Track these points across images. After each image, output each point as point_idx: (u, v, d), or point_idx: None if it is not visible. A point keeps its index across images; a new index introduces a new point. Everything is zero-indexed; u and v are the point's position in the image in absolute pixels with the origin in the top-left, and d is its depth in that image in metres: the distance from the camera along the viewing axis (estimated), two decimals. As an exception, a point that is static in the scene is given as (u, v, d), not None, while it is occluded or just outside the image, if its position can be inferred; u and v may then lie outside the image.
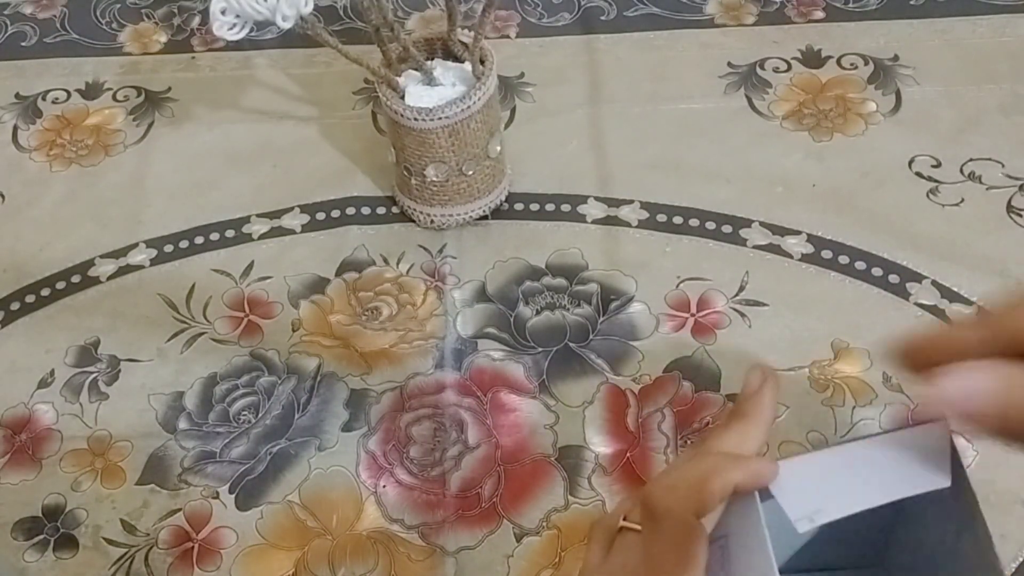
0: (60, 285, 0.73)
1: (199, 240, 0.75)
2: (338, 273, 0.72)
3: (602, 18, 0.88)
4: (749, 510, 0.36)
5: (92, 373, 0.68)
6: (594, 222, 0.73)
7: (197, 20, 0.93)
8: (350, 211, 0.76)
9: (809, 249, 0.70)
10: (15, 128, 0.86)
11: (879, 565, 0.49)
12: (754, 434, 0.37)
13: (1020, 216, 0.70)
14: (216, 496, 0.61)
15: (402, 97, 0.67)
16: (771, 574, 0.34)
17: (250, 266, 0.73)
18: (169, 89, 0.87)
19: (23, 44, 0.93)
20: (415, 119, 0.65)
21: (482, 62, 0.67)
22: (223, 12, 0.59)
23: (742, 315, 0.66)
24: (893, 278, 0.67)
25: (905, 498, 0.37)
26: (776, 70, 0.82)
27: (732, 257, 0.70)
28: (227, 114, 0.84)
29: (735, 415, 0.38)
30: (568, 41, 0.87)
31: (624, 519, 0.37)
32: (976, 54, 0.82)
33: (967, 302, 0.65)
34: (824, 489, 0.35)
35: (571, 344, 0.66)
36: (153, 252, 0.75)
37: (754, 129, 0.78)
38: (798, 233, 0.71)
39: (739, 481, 0.35)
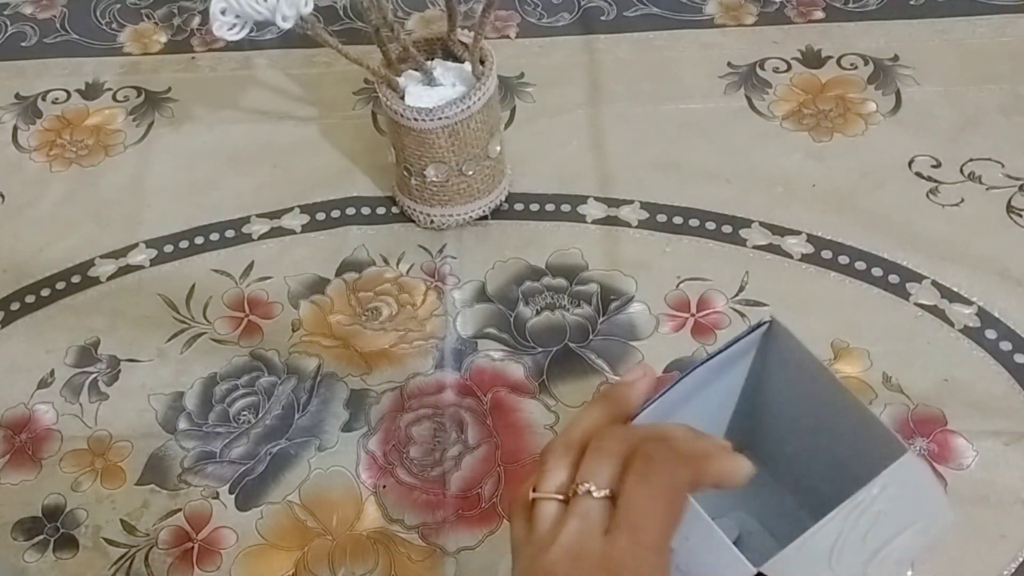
0: (60, 285, 0.73)
1: (199, 240, 0.75)
2: (338, 273, 0.72)
3: (602, 18, 0.88)
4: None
5: (92, 373, 0.68)
6: (594, 222, 0.73)
7: (197, 20, 0.93)
8: (350, 211, 0.76)
9: (809, 249, 0.70)
10: (15, 128, 0.86)
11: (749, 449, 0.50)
12: (613, 417, 0.39)
13: (1020, 216, 0.70)
14: (216, 496, 0.61)
15: (402, 97, 0.67)
16: (701, 518, 0.37)
17: (250, 266, 0.73)
18: (169, 89, 0.87)
19: (23, 44, 0.93)
20: (415, 119, 0.65)
21: (482, 62, 0.67)
22: (223, 12, 0.59)
23: (742, 315, 0.66)
24: (893, 278, 0.67)
25: (763, 386, 0.45)
26: (776, 70, 0.82)
27: (732, 257, 0.70)
28: (227, 114, 0.84)
29: (605, 397, 0.40)
30: (568, 41, 0.87)
31: (534, 490, 0.37)
32: (976, 54, 0.82)
33: (967, 302, 0.65)
34: None
35: (571, 344, 0.66)
36: (153, 252, 0.75)
37: (754, 129, 0.78)
38: (798, 233, 0.71)
39: (726, 472, 0.36)
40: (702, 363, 0.43)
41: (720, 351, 0.43)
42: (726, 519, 0.50)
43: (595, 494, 0.35)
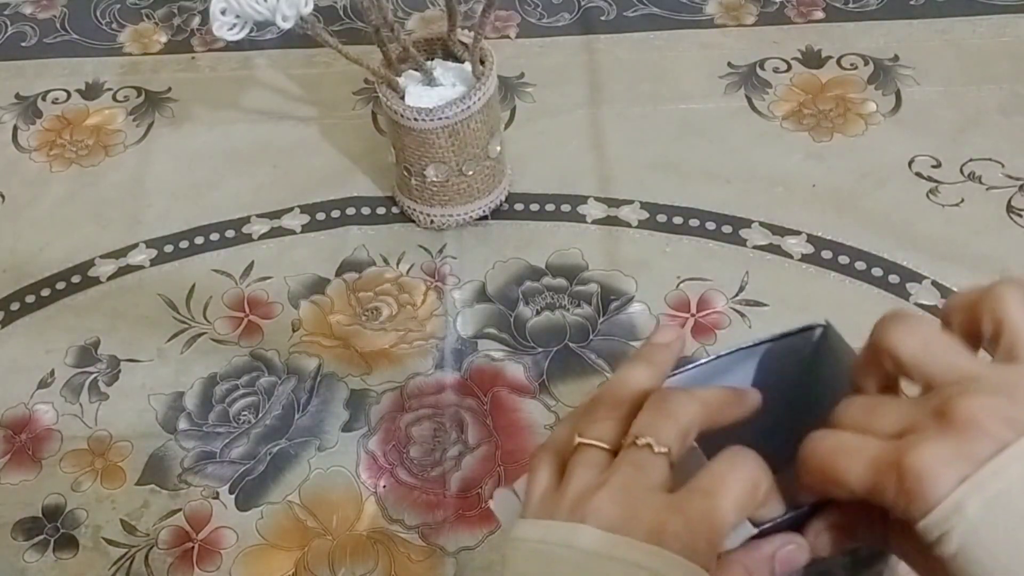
0: (60, 285, 0.73)
1: (199, 240, 0.75)
2: (338, 273, 0.72)
3: (602, 18, 0.88)
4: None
5: (92, 373, 0.68)
6: (594, 222, 0.73)
7: (197, 20, 0.93)
8: (350, 211, 0.76)
9: (809, 249, 0.70)
10: (15, 128, 0.86)
11: (790, 460, 0.49)
12: (656, 378, 0.38)
13: (1020, 216, 0.70)
14: (216, 496, 0.61)
15: (402, 97, 0.67)
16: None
17: (250, 266, 0.73)
18: (169, 89, 0.87)
19: (23, 44, 0.93)
20: (415, 119, 0.65)
21: (482, 62, 0.67)
22: (223, 12, 0.59)
23: (742, 315, 0.66)
24: (893, 278, 0.67)
25: (810, 393, 0.43)
26: (776, 70, 0.82)
27: (732, 257, 0.70)
28: (227, 114, 0.84)
29: (644, 357, 0.39)
30: (568, 41, 0.87)
31: (580, 436, 0.36)
32: (976, 54, 0.82)
33: (967, 302, 0.65)
34: None
35: (571, 344, 0.66)
36: (153, 252, 0.75)
37: (754, 129, 0.78)
38: (798, 233, 0.71)
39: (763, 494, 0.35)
40: (736, 350, 0.41)
41: (759, 343, 0.41)
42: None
43: (656, 448, 0.34)
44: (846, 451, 0.32)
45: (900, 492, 0.30)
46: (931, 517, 0.29)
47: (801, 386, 0.45)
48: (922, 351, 0.33)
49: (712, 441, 0.46)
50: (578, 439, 0.36)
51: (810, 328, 0.42)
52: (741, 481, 0.34)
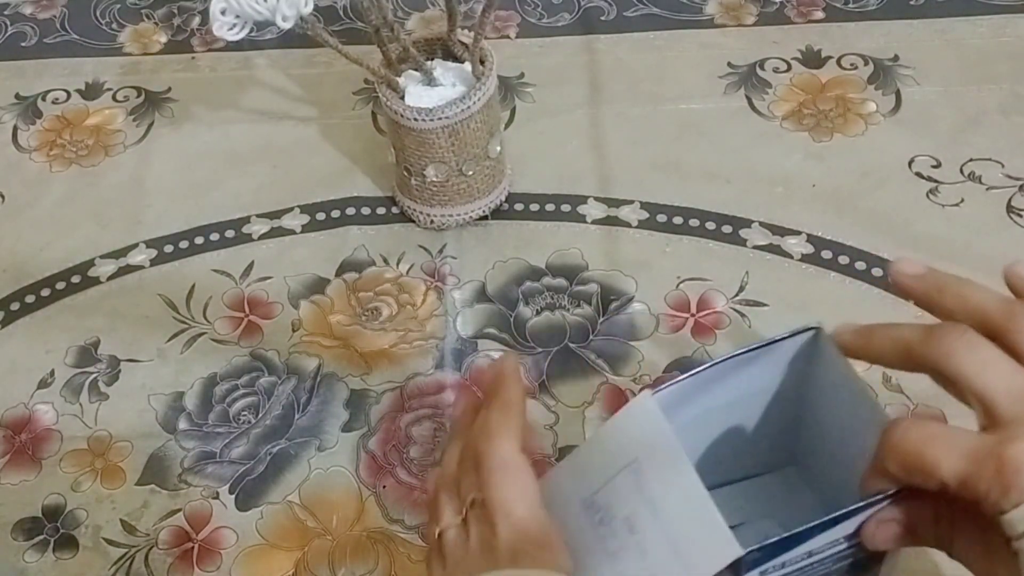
0: (60, 285, 0.73)
1: (199, 240, 0.75)
2: (338, 273, 0.72)
3: (602, 18, 0.88)
4: (659, 430, 0.38)
5: (92, 373, 0.68)
6: (594, 222, 0.73)
7: (197, 20, 0.93)
8: (350, 211, 0.76)
9: (809, 249, 0.70)
10: (15, 128, 0.86)
11: (792, 464, 0.49)
12: (519, 417, 0.42)
13: (1020, 216, 0.70)
14: (216, 496, 0.61)
15: (402, 97, 0.67)
16: (697, 490, 0.36)
17: (250, 266, 0.73)
18: (169, 89, 0.87)
19: (23, 44, 0.93)
20: (415, 119, 0.66)
21: (482, 62, 0.67)
22: (223, 12, 0.59)
23: (742, 315, 0.66)
24: (893, 278, 0.67)
25: (806, 397, 0.44)
26: (776, 70, 0.82)
27: (732, 257, 0.70)
28: (227, 114, 0.84)
29: (497, 402, 0.42)
30: (568, 41, 0.87)
31: (438, 529, 0.41)
32: (976, 54, 0.82)
33: (967, 302, 0.65)
34: None
35: (571, 344, 0.66)
36: (153, 252, 0.75)
37: (754, 129, 0.78)
38: (798, 233, 0.71)
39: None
40: (729, 357, 0.41)
41: (751, 348, 0.42)
42: (749, 525, 0.48)
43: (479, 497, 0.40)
44: (940, 439, 0.33)
45: (996, 482, 0.31)
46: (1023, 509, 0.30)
47: (794, 389, 0.45)
48: (991, 373, 0.34)
49: (710, 454, 0.46)
50: (436, 533, 0.41)
51: (802, 331, 0.42)
52: (498, 429, 0.40)
